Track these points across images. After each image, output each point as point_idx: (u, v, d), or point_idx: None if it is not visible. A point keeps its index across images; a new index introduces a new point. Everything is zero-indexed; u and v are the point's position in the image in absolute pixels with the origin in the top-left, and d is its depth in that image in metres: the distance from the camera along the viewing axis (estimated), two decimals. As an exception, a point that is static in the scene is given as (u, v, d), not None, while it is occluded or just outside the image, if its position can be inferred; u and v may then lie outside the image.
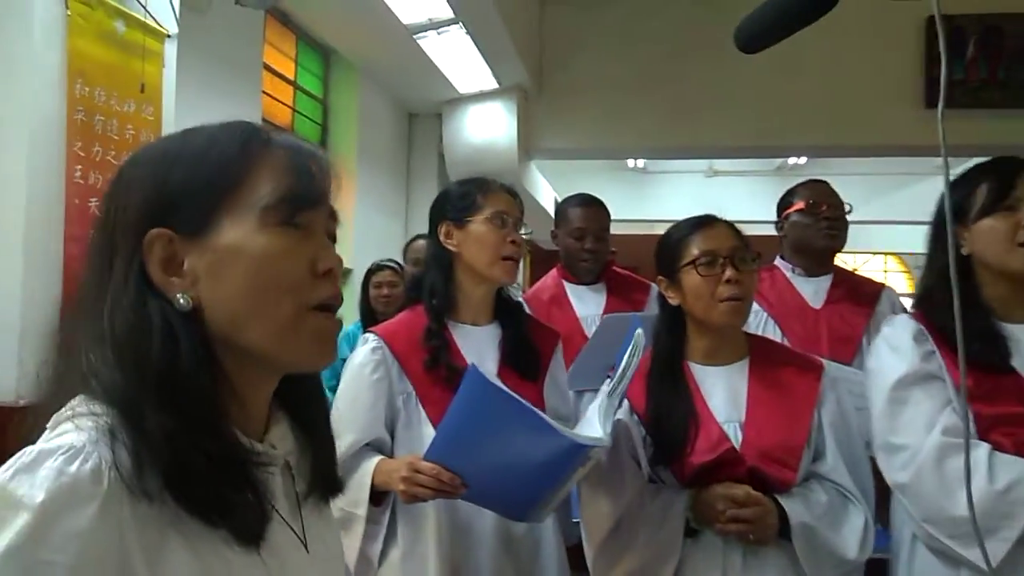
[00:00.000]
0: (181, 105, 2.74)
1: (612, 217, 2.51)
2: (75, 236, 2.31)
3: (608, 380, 1.43)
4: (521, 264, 7.61)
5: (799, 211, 2.27)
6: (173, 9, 2.67)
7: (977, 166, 1.46)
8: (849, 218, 2.33)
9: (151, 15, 2.60)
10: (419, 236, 3.28)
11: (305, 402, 0.77)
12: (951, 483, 1.32)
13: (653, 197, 7.75)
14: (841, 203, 2.28)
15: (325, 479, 0.78)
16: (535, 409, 1.28)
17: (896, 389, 1.42)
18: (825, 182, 2.38)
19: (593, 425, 1.31)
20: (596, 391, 1.47)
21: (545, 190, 5.90)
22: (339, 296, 0.70)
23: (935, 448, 1.35)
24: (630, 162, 7.59)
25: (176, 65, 2.71)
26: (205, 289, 0.66)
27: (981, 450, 1.33)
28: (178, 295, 0.65)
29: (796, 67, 4.49)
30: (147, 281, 0.65)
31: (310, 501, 0.76)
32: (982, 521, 1.29)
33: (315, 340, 0.68)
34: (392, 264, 3.42)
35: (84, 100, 2.36)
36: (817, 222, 2.23)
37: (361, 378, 1.55)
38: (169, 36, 2.66)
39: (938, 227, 1.50)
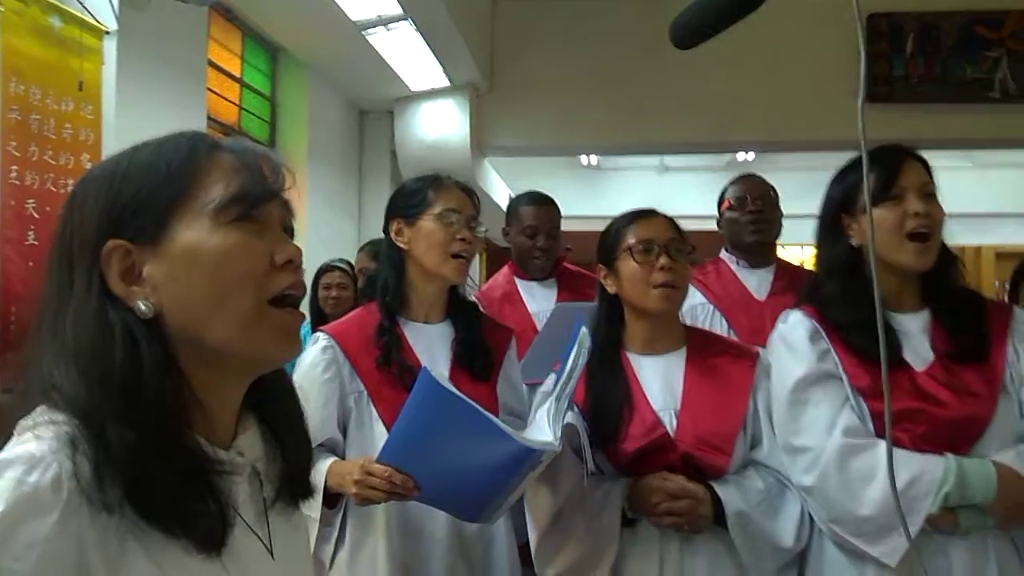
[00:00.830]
0: (122, 103, 2.67)
1: (566, 213, 2.54)
2: (10, 238, 2.23)
3: (554, 379, 1.43)
4: (477, 261, 7.57)
5: (729, 207, 2.33)
6: (112, 5, 2.60)
7: (860, 156, 1.47)
8: (796, 211, 2.38)
9: (89, 11, 2.52)
10: (367, 244, 3.26)
11: (275, 407, 0.78)
12: (855, 484, 1.34)
13: (607, 193, 7.80)
14: (769, 196, 2.33)
15: (295, 484, 0.78)
16: (487, 413, 1.28)
17: (795, 391, 1.43)
18: (755, 177, 2.44)
19: (543, 429, 1.32)
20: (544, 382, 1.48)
21: (499, 187, 5.90)
22: (301, 285, 0.72)
23: (837, 450, 1.37)
24: (583, 159, 7.64)
25: (117, 63, 2.64)
26: (166, 294, 0.67)
27: (880, 448, 1.35)
28: (139, 302, 0.66)
29: (744, 65, 4.57)
30: (107, 293, 0.66)
31: (278, 506, 0.77)
32: (885, 518, 1.32)
33: (280, 333, 0.70)
34: (342, 265, 3.38)
35: (18, 99, 2.29)
36: (744, 216, 2.29)
37: (312, 378, 1.53)
38: (108, 33, 2.58)
39: (824, 220, 1.50)
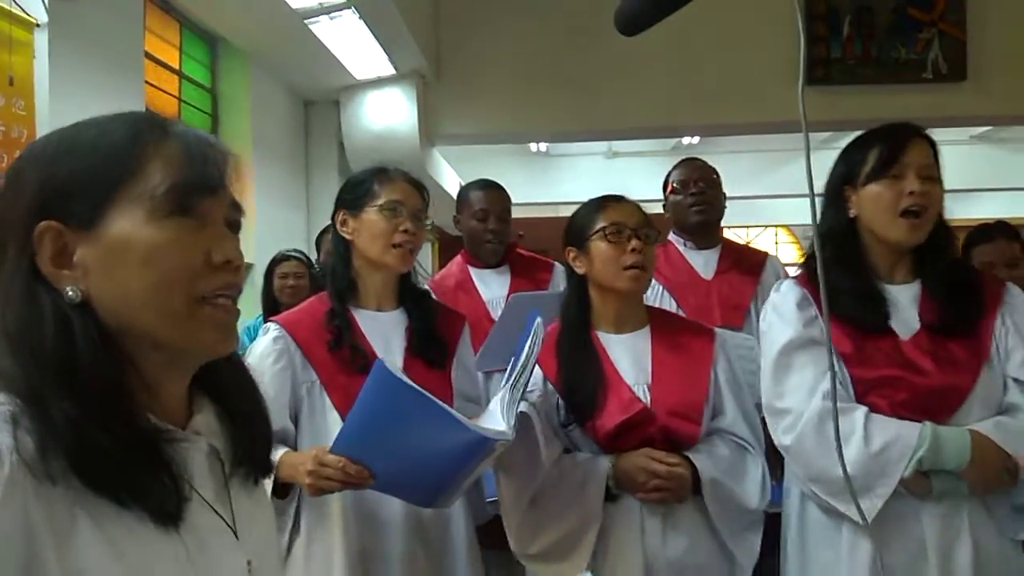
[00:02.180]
0: (57, 98, 2.59)
1: (517, 200, 2.55)
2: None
3: (510, 368, 1.46)
4: (430, 250, 7.51)
5: (673, 192, 2.40)
6: (41, -4, 2.50)
7: (871, 131, 1.50)
8: (740, 193, 2.46)
9: (17, 3, 2.43)
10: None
11: (227, 387, 0.77)
12: (831, 445, 1.39)
13: (556, 180, 7.85)
14: (711, 178, 2.40)
15: (254, 460, 0.78)
16: (441, 403, 1.30)
17: (781, 355, 1.49)
18: (697, 160, 2.51)
19: (496, 418, 1.34)
20: (504, 371, 1.50)
21: (449, 176, 5.88)
22: (236, 286, 0.70)
23: (816, 412, 1.42)
24: (532, 146, 7.66)
25: (49, 56, 2.55)
26: (95, 282, 0.65)
27: (858, 413, 1.40)
28: (67, 288, 0.65)
29: (687, 49, 4.63)
30: (38, 274, 0.65)
31: (237, 483, 0.76)
32: (859, 480, 1.37)
33: (212, 328, 0.69)
34: (297, 255, 3.34)
35: (-56, 95, 2.19)
36: (687, 198, 2.35)
37: (263, 369, 1.53)
38: (38, 25, 2.50)
39: (828, 191, 1.54)
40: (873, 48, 4.79)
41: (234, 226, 0.72)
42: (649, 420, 1.53)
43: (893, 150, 1.45)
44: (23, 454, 0.58)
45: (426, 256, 7.56)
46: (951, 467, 1.36)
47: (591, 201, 1.66)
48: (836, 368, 1.44)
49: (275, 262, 3.29)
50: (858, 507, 1.25)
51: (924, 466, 1.37)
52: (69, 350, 0.63)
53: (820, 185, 1.56)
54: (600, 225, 1.59)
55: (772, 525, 1.64)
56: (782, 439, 1.48)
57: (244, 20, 4.08)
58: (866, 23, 4.79)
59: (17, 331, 0.63)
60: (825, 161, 1.56)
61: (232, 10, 3.98)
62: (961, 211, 6.93)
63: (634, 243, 1.56)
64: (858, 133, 1.55)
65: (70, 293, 0.64)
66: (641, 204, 1.67)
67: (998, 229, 2.51)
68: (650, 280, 1.65)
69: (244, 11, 3.94)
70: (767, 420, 1.54)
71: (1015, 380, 1.43)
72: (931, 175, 1.46)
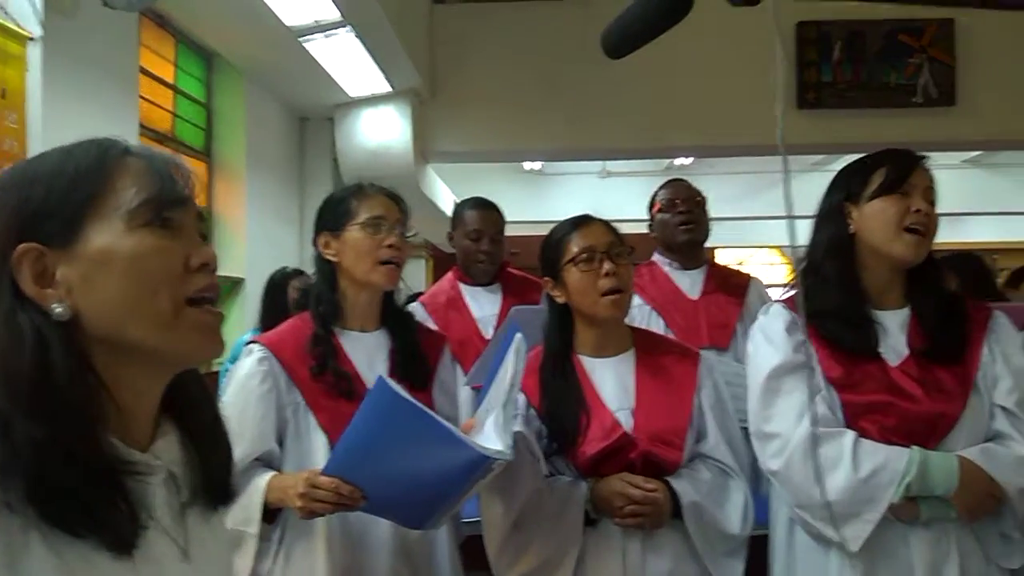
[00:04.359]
0: (50, 112, 2.58)
1: (510, 219, 2.56)
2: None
3: (492, 386, 1.44)
4: (423, 267, 7.51)
5: (659, 211, 2.42)
6: (36, 11, 2.50)
7: (876, 153, 1.52)
8: (733, 214, 2.48)
9: (11, 17, 2.43)
10: None
11: (192, 410, 0.78)
12: (819, 471, 1.39)
13: (550, 198, 7.88)
14: (695, 199, 2.42)
15: (214, 488, 0.78)
16: (442, 420, 1.28)
17: (770, 379, 1.48)
18: (683, 181, 2.53)
19: (491, 438, 1.32)
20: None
21: (444, 193, 5.90)
22: (215, 287, 0.73)
23: (804, 438, 1.41)
24: (527, 164, 7.69)
25: (42, 70, 2.55)
26: (81, 296, 0.67)
27: (846, 438, 1.40)
28: (54, 305, 0.66)
29: (680, 71, 4.67)
30: (19, 295, 0.66)
31: (196, 511, 0.76)
32: (848, 505, 1.37)
33: (199, 331, 0.71)
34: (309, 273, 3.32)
35: (-64, 107, 2.18)
36: (674, 218, 2.37)
37: (248, 390, 1.51)
38: (32, 39, 2.49)
39: (828, 206, 1.54)
40: (863, 73, 4.85)
41: (202, 237, 0.76)
42: (630, 446, 1.51)
43: (902, 170, 1.47)
44: None
45: (420, 272, 7.56)
46: (939, 493, 1.36)
47: (558, 227, 1.63)
48: (826, 393, 1.45)
49: (288, 276, 3.26)
50: (837, 533, 1.24)
51: (912, 491, 1.36)
52: (45, 374, 0.64)
53: (809, 207, 1.57)
54: (571, 253, 1.56)
55: (759, 548, 1.62)
56: (770, 464, 1.47)
57: (239, 37, 4.09)
58: (857, 48, 4.85)
59: None
60: (817, 184, 1.57)
61: (227, 27, 3.99)
62: (951, 235, 6.99)
63: (607, 266, 1.53)
64: (849, 156, 1.57)
65: (58, 310, 0.66)
66: (634, 223, 1.64)
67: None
68: (630, 300, 1.62)
69: (239, 28, 3.96)
70: (754, 445, 1.53)
71: (1002, 408, 1.44)
72: (933, 200, 1.48)
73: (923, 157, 1.52)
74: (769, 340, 1.52)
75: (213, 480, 0.78)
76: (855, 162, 1.55)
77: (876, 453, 1.39)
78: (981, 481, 1.36)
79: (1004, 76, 4.76)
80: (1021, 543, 1.41)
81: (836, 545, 1.42)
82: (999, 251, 8.60)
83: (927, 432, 1.40)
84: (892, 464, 1.37)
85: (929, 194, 1.47)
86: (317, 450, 1.47)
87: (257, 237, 4.50)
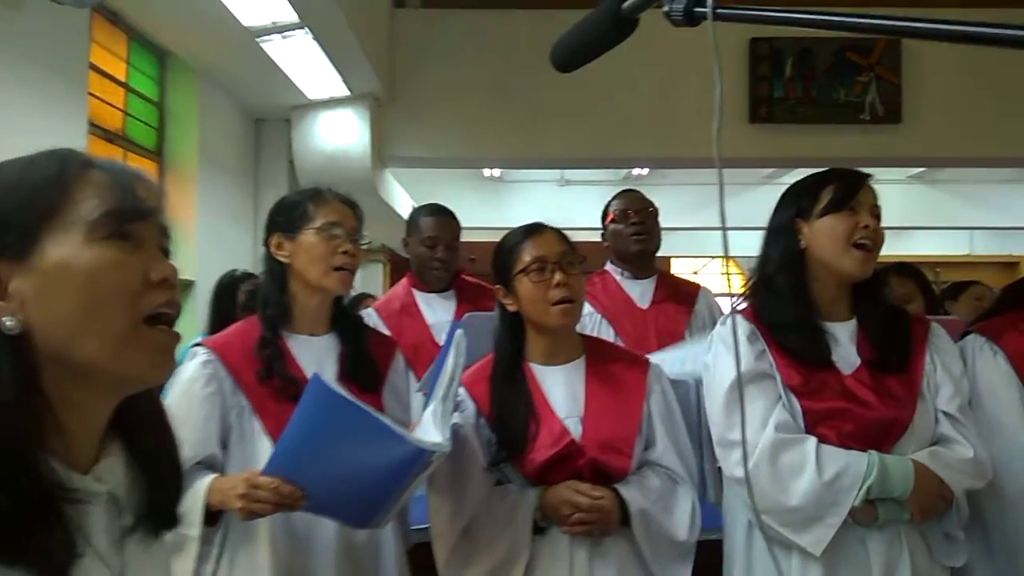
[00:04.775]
0: (-7, 107, 2.51)
1: (470, 225, 2.56)
2: None
3: (436, 381, 1.46)
4: (380, 271, 7.44)
5: (613, 221, 2.45)
6: (-20, 3, 2.43)
7: (825, 171, 1.58)
8: (687, 224, 2.53)
9: (-47, 8, 2.36)
10: None
11: (141, 430, 0.76)
12: (784, 476, 1.44)
13: (509, 205, 7.91)
14: (648, 208, 2.47)
15: (158, 513, 0.76)
16: (379, 415, 1.29)
17: (732, 389, 1.51)
18: (636, 192, 2.57)
19: (430, 431, 1.33)
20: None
21: (402, 198, 5.87)
22: (175, 304, 0.71)
23: (768, 445, 1.45)
24: (486, 171, 7.70)
25: (-14, 64, 2.47)
26: (35, 310, 0.65)
27: (809, 443, 1.44)
28: (5, 318, 0.64)
29: (637, 84, 4.74)
30: None
31: (136, 537, 0.74)
32: (812, 509, 1.42)
33: (153, 352, 0.69)
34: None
35: None
36: (627, 228, 2.41)
37: (191, 393, 1.49)
38: (-24, 31, 2.42)
39: (779, 222, 1.59)
40: (813, 89, 4.98)
41: (165, 252, 0.74)
42: (578, 454, 1.52)
43: (850, 188, 1.53)
44: None
45: (377, 277, 7.51)
46: (896, 494, 1.42)
47: (510, 235, 1.64)
48: (786, 400, 1.50)
49: (238, 279, 3.18)
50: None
51: (873, 494, 1.41)
52: None
53: (761, 219, 1.62)
54: (523, 263, 1.56)
55: (712, 553, 1.65)
56: (735, 471, 1.50)
57: (194, 35, 4.03)
58: (807, 65, 4.98)
59: None
60: (768, 196, 1.61)
61: (182, 25, 3.93)
62: (895, 248, 7.21)
63: (558, 276, 1.53)
64: (799, 170, 1.62)
65: (9, 323, 0.64)
66: (592, 232, 1.66)
67: (893, 269, 2.67)
68: (581, 309, 1.62)
69: (194, 26, 3.90)
70: (718, 453, 1.55)
71: (945, 413, 1.50)
72: (878, 215, 1.54)
73: (868, 176, 1.58)
74: (730, 350, 1.55)
75: (158, 504, 0.75)
76: (804, 179, 1.60)
77: (838, 458, 1.44)
78: (933, 483, 1.42)
79: (948, 96, 4.94)
80: (964, 542, 1.48)
81: (796, 549, 1.45)
82: (941, 264, 8.91)
83: (882, 437, 1.46)
84: (853, 468, 1.42)
85: (875, 211, 1.54)
86: (261, 454, 1.45)
87: (209, 239, 4.42)
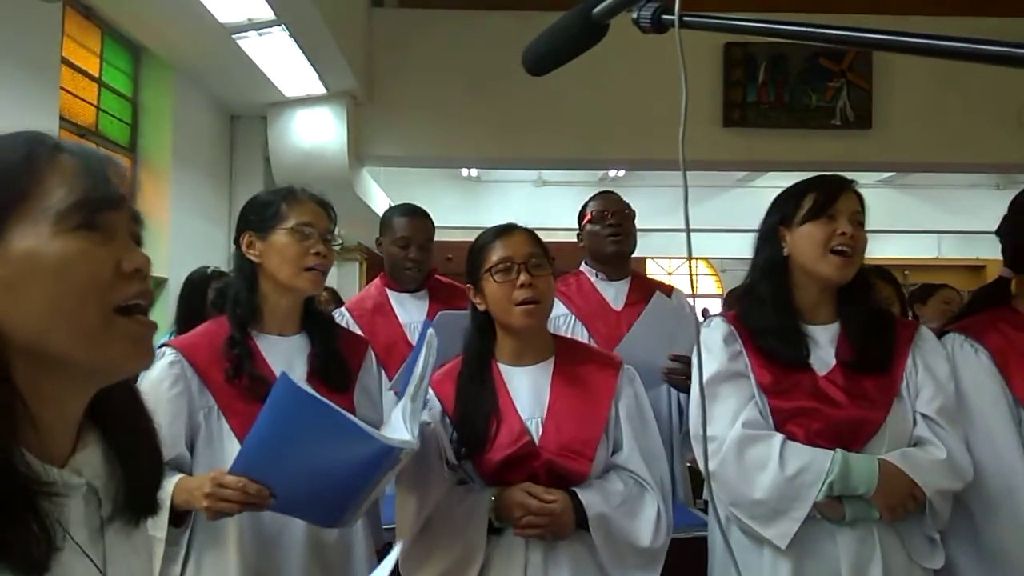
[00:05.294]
0: (-38, 100, 2.47)
1: (447, 224, 2.57)
2: None
3: (406, 380, 1.47)
4: (357, 270, 7.38)
5: (590, 222, 2.47)
6: (-52, -6, 2.40)
7: (808, 179, 1.63)
8: (663, 225, 2.54)
9: (-79, -1, 2.32)
10: None
11: (118, 420, 0.75)
12: (750, 470, 1.48)
13: (487, 205, 7.93)
14: (625, 210, 2.50)
15: (138, 502, 0.75)
16: (346, 413, 1.29)
17: (708, 386, 1.56)
18: (613, 194, 2.59)
19: (399, 428, 1.34)
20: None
21: (379, 196, 5.86)
22: (148, 294, 0.69)
23: (736, 439, 1.50)
24: (464, 171, 7.71)
25: (-45, 56, 2.44)
26: (3, 303, 0.63)
27: (775, 440, 1.49)
28: None
29: (614, 87, 4.77)
30: None
31: (116, 526, 0.73)
32: (776, 503, 1.46)
33: (129, 342, 0.67)
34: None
35: None
36: (603, 229, 2.43)
37: (158, 394, 1.47)
38: (-56, 23, 2.38)
39: (764, 230, 1.64)
40: (786, 94, 5.05)
41: (137, 240, 0.72)
42: (533, 456, 1.51)
43: (829, 195, 1.57)
44: None
45: (353, 275, 7.48)
46: (860, 492, 1.45)
47: (482, 235, 1.65)
48: (758, 399, 1.54)
49: (209, 277, 3.14)
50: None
51: (835, 491, 1.45)
52: None
53: (734, 221, 1.66)
54: (490, 263, 1.57)
55: (685, 551, 1.68)
56: (708, 465, 1.54)
57: (169, 31, 4.00)
58: (780, 70, 5.04)
59: None
60: (741, 198, 1.65)
61: (157, 21, 3.89)
62: (866, 251, 7.30)
63: (523, 277, 1.53)
64: (772, 173, 1.66)
65: None
66: (569, 232, 1.66)
67: (872, 273, 2.71)
68: (548, 311, 1.62)
69: (169, 22, 3.87)
70: (694, 448, 1.59)
71: (923, 415, 1.53)
72: (860, 221, 1.58)
73: (850, 182, 1.61)
74: (708, 350, 1.60)
75: (139, 494, 0.74)
76: (787, 189, 1.64)
77: (802, 454, 1.47)
78: (901, 482, 1.44)
79: (917, 102, 5.03)
80: (940, 545, 1.51)
81: (768, 543, 1.49)
82: (910, 267, 9.07)
83: (851, 436, 1.49)
84: (816, 464, 1.45)
85: (856, 217, 1.57)
86: (229, 455, 1.43)
87: (183, 236, 4.38)
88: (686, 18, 0.69)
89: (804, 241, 1.56)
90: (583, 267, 2.52)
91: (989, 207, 8.44)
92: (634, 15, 0.73)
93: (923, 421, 1.53)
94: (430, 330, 1.49)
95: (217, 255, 4.61)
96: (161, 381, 1.49)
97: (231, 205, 5.21)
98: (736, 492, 1.50)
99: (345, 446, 1.28)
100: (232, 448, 1.46)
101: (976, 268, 10.09)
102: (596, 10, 0.79)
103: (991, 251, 1.87)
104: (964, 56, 0.56)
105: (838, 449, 1.47)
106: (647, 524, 1.52)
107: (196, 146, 4.74)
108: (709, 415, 1.53)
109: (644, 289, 2.48)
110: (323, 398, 1.27)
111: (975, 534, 1.55)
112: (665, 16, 0.70)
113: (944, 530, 1.53)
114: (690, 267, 1.44)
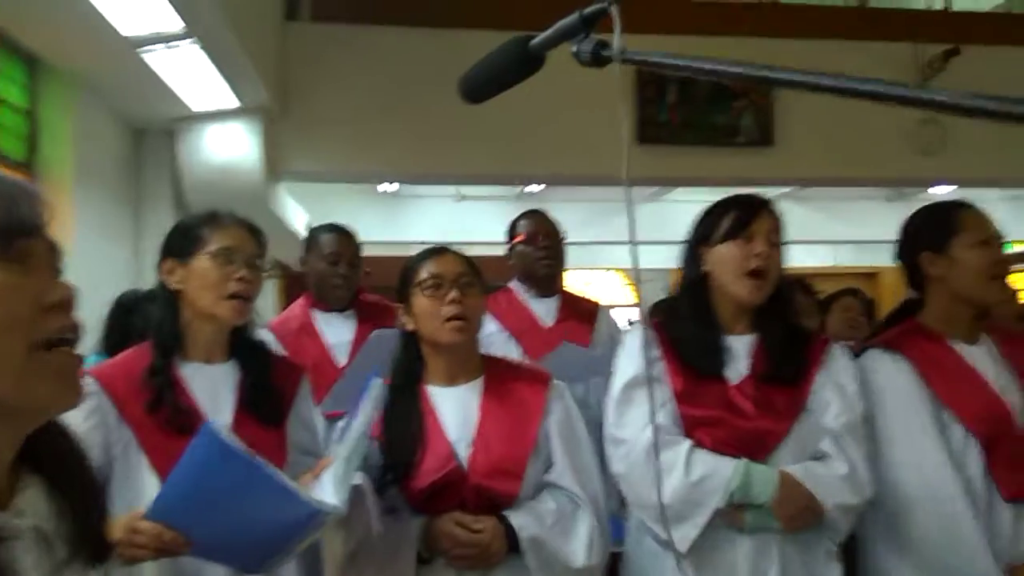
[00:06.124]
0: None
1: (367, 239, 2.56)
2: None
3: (345, 432, 1.41)
4: (272, 289, 7.16)
5: (521, 242, 2.52)
6: None
7: (726, 199, 1.67)
8: (579, 238, 2.61)
9: None
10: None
11: (59, 462, 0.72)
12: (656, 474, 1.51)
13: (405, 220, 7.86)
14: (555, 233, 2.55)
15: (89, 543, 0.72)
16: (273, 473, 1.24)
17: (624, 390, 1.61)
18: (542, 213, 2.65)
19: (328, 491, 1.29)
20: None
21: (296, 213, 5.73)
22: (74, 327, 0.67)
23: (646, 444, 1.54)
24: (381, 186, 7.63)
25: None
26: None
27: (683, 446, 1.54)
28: None
29: (531, 105, 4.80)
30: None
31: (74, 568, 0.70)
32: (679, 508, 1.51)
33: (55, 379, 0.65)
34: None
35: None
36: (536, 251, 2.49)
37: (72, 426, 1.40)
38: None
39: (686, 248, 1.70)
40: (694, 114, 5.25)
41: (56, 272, 0.69)
42: (461, 481, 1.49)
43: (745, 216, 1.62)
44: None
45: (269, 295, 7.27)
46: (760, 502, 1.50)
47: (415, 255, 1.65)
48: (670, 405, 1.58)
49: (141, 299, 2.98)
50: (669, 533, 1.36)
51: (736, 499, 1.50)
52: None
53: (644, 234, 1.72)
54: (419, 279, 1.57)
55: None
56: (617, 467, 1.59)
57: (68, 43, 3.81)
58: (689, 91, 5.25)
59: None
60: (652, 212, 1.72)
61: (54, 31, 3.70)
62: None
63: (452, 294, 1.54)
64: (682, 189, 1.74)
65: None
66: (488, 247, 1.69)
67: (794, 286, 2.83)
68: (476, 330, 1.62)
69: (68, 34, 3.69)
70: (607, 450, 1.63)
71: (829, 431, 1.59)
72: (776, 241, 1.64)
73: (767, 202, 1.66)
74: (627, 355, 1.65)
75: (86, 534, 0.71)
76: (708, 208, 1.71)
77: (706, 461, 1.52)
78: (800, 494, 1.50)
79: (816, 121, 5.32)
80: (837, 560, 1.57)
81: (670, 546, 1.53)
82: (809, 275, 9.53)
83: (755, 446, 1.55)
84: (720, 472, 1.51)
85: (773, 236, 1.63)
86: (148, 491, 1.38)
87: (86, 256, 4.16)
88: (626, 57, 0.72)
89: (721, 262, 1.62)
90: (513, 284, 2.55)
91: (881, 218, 9.00)
92: (574, 49, 0.76)
93: (828, 436, 1.58)
94: (376, 380, 1.44)
95: (122, 277, 4.41)
96: (75, 414, 1.42)
97: (136, 223, 4.99)
98: (642, 495, 1.55)
99: (270, 503, 1.23)
100: (150, 484, 1.40)
101: (870, 275, 10.70)
102: (533, 42, 0.81)
103: (884, 259, 2.02)
104: (847, 93, 0.66)
105: (742, 458, 1.52)
106: (581, 543, 1.51)
107: (99, 162, 4.52)
108: (624, 418, 1.59)
109: (573, 305, 2.54)
110: (248, 454, 1.22)
111: (904, 541, 1.59)
112: (604, 52, 0.74)
113: (864, 537, 1.60)
114: (636, 277, 1.50)
